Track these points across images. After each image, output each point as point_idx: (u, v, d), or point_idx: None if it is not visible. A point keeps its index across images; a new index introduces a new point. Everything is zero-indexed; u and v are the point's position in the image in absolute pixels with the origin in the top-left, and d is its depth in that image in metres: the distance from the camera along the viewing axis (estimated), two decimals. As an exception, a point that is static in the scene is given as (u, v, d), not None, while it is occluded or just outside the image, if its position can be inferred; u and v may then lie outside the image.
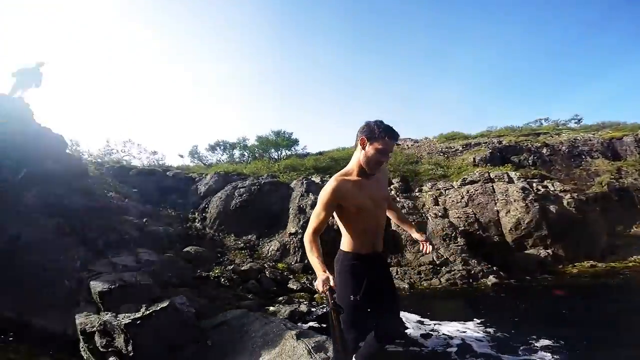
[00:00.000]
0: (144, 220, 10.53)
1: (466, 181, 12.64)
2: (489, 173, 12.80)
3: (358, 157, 1.91)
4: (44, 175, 6.79)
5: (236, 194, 11.84)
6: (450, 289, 8.50)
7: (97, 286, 4.04)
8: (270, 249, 9.88)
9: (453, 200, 12.01)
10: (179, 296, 3.95)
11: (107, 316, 3.50)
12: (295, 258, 9.49)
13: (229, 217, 11.34)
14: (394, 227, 10.36)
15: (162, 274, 4.96)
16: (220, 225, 11.25)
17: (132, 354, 3.07)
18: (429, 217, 10.80)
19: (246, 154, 18.97)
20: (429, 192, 12.76)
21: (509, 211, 11.04)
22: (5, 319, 4.28)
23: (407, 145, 19.57)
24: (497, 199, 11.50)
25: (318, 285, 1.63)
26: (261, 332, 3.52)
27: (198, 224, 11.84)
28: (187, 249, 8.60)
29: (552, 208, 10.86)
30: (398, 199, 12.46)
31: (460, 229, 10.60)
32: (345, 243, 1.99)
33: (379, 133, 1.80)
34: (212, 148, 20.38)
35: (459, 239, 10.00)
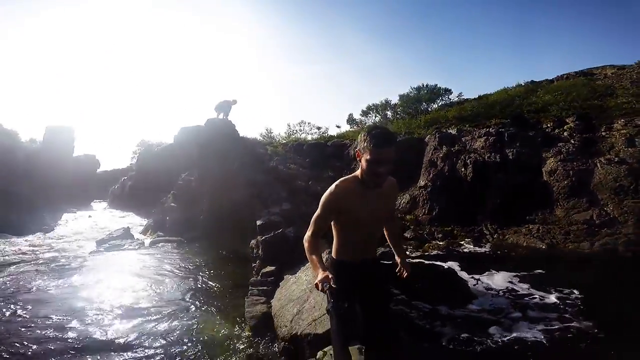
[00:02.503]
0: (309, 182, 13.91)
1: None
2: None
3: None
4: (245, 164, 10.71)
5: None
6: (603, 256, 6.65)
7: (258, 222, 6.85)
8: (402, 201, 10.84)
9: None
10: (291, 228, 6.10)
11: (258, 238, 6.11)
12: (423, 210, 10.07)
13: (370, 175, 13.03)
14: (545, 178, 8.82)
15: (293, 217, 7.35)
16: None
17: (262, 255, 5.47)
18: (597, 164, 8.36)
19: (389, 113, 19.69)
20: (622, 131, 9.61)
21: None
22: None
23: (604, 75, 14.61)
24: None
25: (317, 284, 1.60)
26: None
27: (349, 182, 14.29)
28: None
29: None
30: (572, 140, 10.07)
31: None
32: (334, 249, 1.97)
33: (365, 144, 1.70)
34: (365, 113, 22.27)
35: (641, 194, 7.43)
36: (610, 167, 8.26)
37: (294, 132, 22.44)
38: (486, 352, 3.58)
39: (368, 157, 1.69)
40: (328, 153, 17.91)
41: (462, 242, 8.17)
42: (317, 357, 2.91)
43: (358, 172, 1.83)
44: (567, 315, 4.39)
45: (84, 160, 26.02)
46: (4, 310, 4.30)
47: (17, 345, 3.44)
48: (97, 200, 25.52)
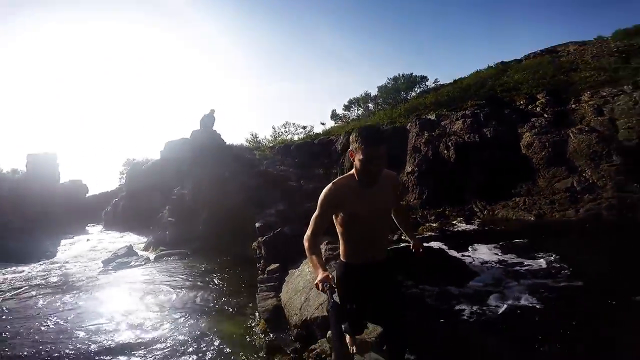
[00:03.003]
0: (300, 181, 14.20)
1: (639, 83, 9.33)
2: None
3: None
4: (235, 171, 10.95)
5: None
6: (588, 222, 6.98)
7: (257, 225, 7.12)
8: (393, 189, 11.26)
9: (623, 108, 9.24)
10: (287, 227, 6.40)
11: (259, 239, 6.38)
12: (413, 195, 10.50)
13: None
14: (524, 151, 9.34)
15: (288, 216, 7.66)
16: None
17: (264, 254, 5.77)
18: (570, 134, 8.89)
19: (371, 105, 20.17)
20: (590, 102, 10.24)
21: None
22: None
23: (567, 51, 15.43)
24: None
25: (318, 284, 1.59)
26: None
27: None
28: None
29: None
30: (545, 114, 10.64)
31: (624, 142, 8.28)
32: (341, 251, 1.96)
33: (357, 144, 1.73)
34: (347, 107, 22.66)
35: (613, 157, 7.96)
36: (582, 135, 8.81)
37: (280, 134, 22.67)
38: (490, 322, 3.84)
39: (361, 156, 1.71)
40: (315, 151, 18.21)
41: (454, 222, 8.56)
42: (327, 336, 3.23)
43: (354, 171, 1.83)
44: (556, 279, 4.74)
45: (71, 186, 25.73)
46: (31, 330, 4.48)
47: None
48: (91, 224, 25.33)
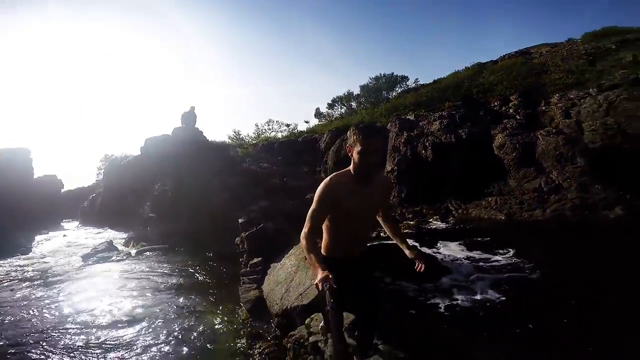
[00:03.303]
0: (284, 179, 14.32)
1: (604, 87, 9.98)
2: (637, 74, 9.60)
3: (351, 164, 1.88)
4: (218, 169, 10.97)
5: (343, 144, 13.95)
6: (554, 222, 7.35)
7: (240, 220, 7.24)
8: (373, 188, 11.60)
9: (589, 110, 9.84)
10: (270, 223, 6.58)
11: (242, 234, 6.52)
12: (393, 194, 10.82)
13: (340, 165, 13.66)
14: (496, 152, 9.83)
15: (271, 212, 7.82)
16: (335, 169, 13.82)
17: (247, 249, 5.92)
18: (539, 136, 9.42)
19: (354, 104, 20.54)
20: (558, 104, 10.81)
21: None
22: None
23: (540, 53, 16.12)
24: None
25: (318, 284, 1.59)
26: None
27: (322, 174, 14.83)
28: (307, 196, 11.56)
29: None
30: (517, 116, 11.21)
31: (591, 145, 8.87)
32: (324, 246, 2.00)
33: (355, 137, 1.78)
34: (331, 106, 22.93)
35: (578, 159, 8.50)
36: (550, 137, 9.35)
37: (263, 131, 22.66)
38: (459, 314, 4.11)
39: (359, 148, 1.76)
40: (299, 149, 18.32)
41: (430, 220, 8.90)
42: (305, 323, 3.44)
43: (350, 167, 1.88)
44: (520, 274, 5.10)
45: (46, 181, 24.84)
46: (11, 323, 4.43)
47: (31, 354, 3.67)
48: (66, 220, 24.53)
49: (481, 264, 5.72)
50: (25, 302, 5.21)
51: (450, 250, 6.54)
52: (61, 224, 21.99)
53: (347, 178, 1.88)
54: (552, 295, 4.41)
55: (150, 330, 4.09)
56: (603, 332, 3.40)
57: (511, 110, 11.76)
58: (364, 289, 2.10)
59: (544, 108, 11.25)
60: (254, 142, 20.46)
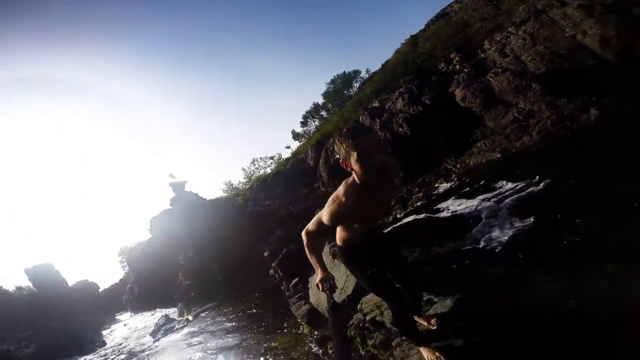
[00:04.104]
0: (289, 207, 14.79)
1: (517, 23, 10.69)
2: (534, 5, 10.41)
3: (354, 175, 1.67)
4: (229, 219, 11.48)
5: (329, 153, 14.57)
6: (545, 142, 7.50)
7: (265, 254, 7.81)
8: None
9: (519, 45, 10.46)
10: (291, 245, 7.17)
11: (273, 265, 7.07)
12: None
13: (335, 172, 14.20)
14: (462, 105, 10.37)
15: (288, 238, 8.40)
16: (331, 181, 14.33)
17: (283, 275, 6.48)
18: (490, 79, 10.05)
19: (324, 113, 21.36)
20: (492, 48, 11.44)
21: (585, 32, 8.75)
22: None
23: (454, 11, 16.95)
24: (564, 25, 9.25)
25: (318, 284, 1.57)
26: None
27: (322, 189, 15.30)
28: (317, 211, 12.11)
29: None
30: (465, 69, 11.84)
31: (536, 71, 9.46)
32: (340, 238, 1.93)
33: (345, 146, 1.57)
34: (304, 123, 23.71)
35: (533, 85, 9.05)
36: (500, 77, 9.98)
37: (252, 173, 23.21)
38: (494, 254, 4.16)
39: (355, 155, 1.54)
40: (292, 175, 18.78)
41: (436, 185, 9.23)
42: (358, 309, 3.89)
43: (355, 178, 1.67)
44: (533, 191, 5.23)
45: (83, 286, 26.29)
46: None
47: None
48: (119, 313, 25.36)
49: (494, 200, 5.79)
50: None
51: (465, 203, 6.60)
52: (116, 317, 23.13)
53: (354, 188, 1.68)
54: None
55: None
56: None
57: (457, 67, 12.47)
58: (395, 260, 2.15)
59: (482, 55, 11.95)
60: (247, 185, 21.01)
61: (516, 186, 5.88)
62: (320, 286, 1.60)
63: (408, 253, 4.75)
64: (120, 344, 10.36)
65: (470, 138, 9.93)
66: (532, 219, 4.45)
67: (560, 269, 2.63)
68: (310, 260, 1.77)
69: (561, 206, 4.45)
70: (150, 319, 15.20)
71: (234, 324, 6.87)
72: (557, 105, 8.44)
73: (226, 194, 20.96)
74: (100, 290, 29.31)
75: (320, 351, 4.21)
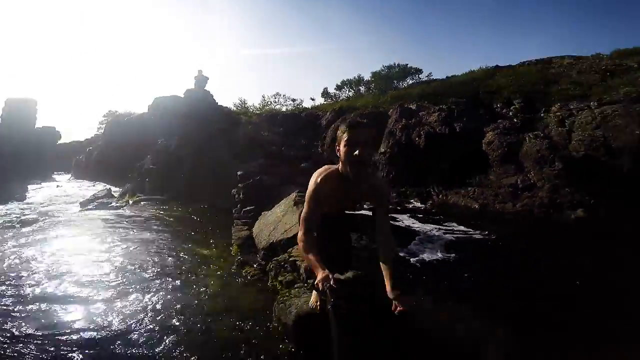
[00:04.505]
0: (282, 147, 15.13)
1: (604, 101, 10.59)
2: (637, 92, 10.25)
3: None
4: (224, 128, 11.75)
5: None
6: (522, 215, 8.26)
7: (238, 173, 8.21)
8: (365, 166, 12.54)
9: (582, 122, 10.53)
10: (266, 176, 7.53)
11: (239, 185, 7.47)
12: (382, 173, 11.75)
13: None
14: (484, 148, 10.64)
15: (267, 169, 8.78)
16: (332, 149, 14.65)
17: (242, 198, 6.86)
18: (527, 138, 10.20)
19: (362, 89, 21.22)
20: (557, 113, 11.42)
21: None
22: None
23: (560, 64, 16.33)
24: None
25: (318, 284, 1.61)
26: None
27: (319, 149, 15.70)
28: (303, 164, 12.41)
29: None
30: (515, 119, 11.86)
31: (574, 153, 9.64)
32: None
33: (341, 130, 1.77)
34: (339, 88, 23.53)
35: (556, 163, 9.31)
36: (535, 140, 10.18)
37: (269, 103, 23.29)
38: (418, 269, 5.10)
39: (345, 137, 1.72)
40: (301, 123, 19.12)
41: (411, 200, 9.94)
42: (287, 251, 4.31)
43: (339, 166, 1.84)
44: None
45: (45, 132, 25.75)
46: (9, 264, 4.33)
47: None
48: (58, 173, 25.09)
49: (442, 232, 6.77)
50: (21, 245, 5.17)
51: (422, 223, 7.55)
52: (53, 175, 22.54)
53: (334, 174, 1.87)
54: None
55: (146, 266, 4.42)
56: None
57: (510, 113, 12.46)
58: (345, 237, 2.38)
59: (542, 115, 11.95)
60: (258, 112, 21.13)
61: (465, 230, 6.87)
62: (320, 285, 1.61)
63: (358, 237, 5.39)
64: (41, 204, 10.33)
65: (467, 180, 10.26)
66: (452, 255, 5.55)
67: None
68: (308, 261, 1.83)
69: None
70: (88, 189, 15.15)
71: (171, 220, 7.24)
72: (559, 191, 8.81)
73: (235, 109, 21.16)
74: (59, 142, 28.67)
75: (235, 269, 4.63)
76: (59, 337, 2.60)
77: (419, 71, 22.02)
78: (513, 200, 8.92)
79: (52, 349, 2.45)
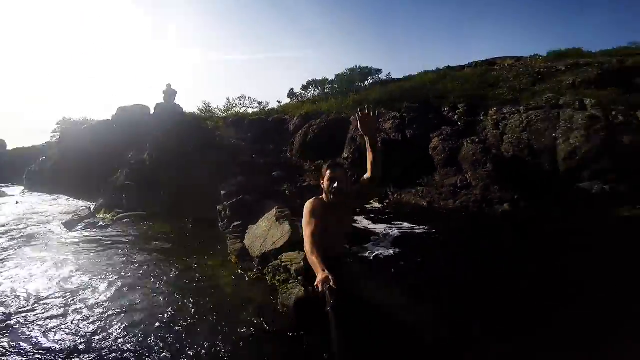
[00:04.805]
0: (252, 155, 16.44)
1: (530, 106, 12.97)
2: (558, 99, 12.76)
3: None
4: (198, 144, 12.87)
5: (310, 130, 16.36)
6: (461, 212, 10.32)
7: (223, 193, 9.59)
8: (332, 171, 14.30)
9: (513, 125, 12.90)
10: (248, 196, 9.02)
11: (224, 204, 8.92)
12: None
13: (306, 148, 16.15)
14: (430, 152, 12.81)
15: (247, 187, 10.17)
16: (300, 154, 16.24)
17: (229, 215, 8.38)
18: (465, 143, 12.53)
19: (327, 89, 22.94)
20: (494, 117, 13.69)
21: (567, 139, 11.22)
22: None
23: (503, 65, 18.81)
24: (560, 126, 11.72)
25: (318, 284, 1.72)
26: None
27: (288, 154, 17.20)
28: (274, 173, 13.93)
29: (627, 139, 10.52)
30: (459, 122, 14.07)
31: (505, 154, 11.96)
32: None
33: (325, 169, 2.63)
34: (305, 88, 25.02)
35: (488, 165, 11.65)
36: (471, 145, 12.50)
37: (234, 105, 24.18)
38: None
39: (327, 176, 2.58)
40: (269, 128, 20.39)
41: (371, 201, 11.90)
42: (279, 258, 5.94)
43: (323, 196, 2.68)
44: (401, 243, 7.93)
45: None
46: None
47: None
48: (5, 184, 23.67)
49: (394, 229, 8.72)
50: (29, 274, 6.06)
51: (376, 224, 9.45)
52: (2, 189, 21.00)
53: (321, 201, 2.64)
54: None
55: (154, 276, 5.99)
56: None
57: (455, 117, 14.71)
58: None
59: (481, 118, 14.30)
60: (224, 115, 22.01)
61: (411, 226, 8.92)
62: (320, 286, 1.74)
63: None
64: (17, 225, 10.30)
65: (417, 180, 12.42)
66: (398, 250, 7.41)
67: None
68: (311, 263, 2.16)
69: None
70: (52, 204, 14.83)
71: (163, 237, 8.34)
72: (489, 189, 11.10)
73: (199, 114, 21.85)
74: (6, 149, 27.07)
75: (240, 273, 6.20)
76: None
77: (378, 71, 24.17)
78: (453, 198, 11.15)
79: None
